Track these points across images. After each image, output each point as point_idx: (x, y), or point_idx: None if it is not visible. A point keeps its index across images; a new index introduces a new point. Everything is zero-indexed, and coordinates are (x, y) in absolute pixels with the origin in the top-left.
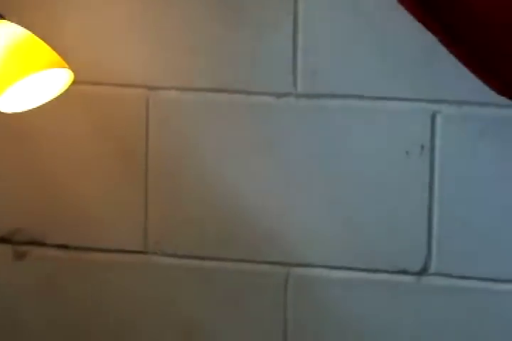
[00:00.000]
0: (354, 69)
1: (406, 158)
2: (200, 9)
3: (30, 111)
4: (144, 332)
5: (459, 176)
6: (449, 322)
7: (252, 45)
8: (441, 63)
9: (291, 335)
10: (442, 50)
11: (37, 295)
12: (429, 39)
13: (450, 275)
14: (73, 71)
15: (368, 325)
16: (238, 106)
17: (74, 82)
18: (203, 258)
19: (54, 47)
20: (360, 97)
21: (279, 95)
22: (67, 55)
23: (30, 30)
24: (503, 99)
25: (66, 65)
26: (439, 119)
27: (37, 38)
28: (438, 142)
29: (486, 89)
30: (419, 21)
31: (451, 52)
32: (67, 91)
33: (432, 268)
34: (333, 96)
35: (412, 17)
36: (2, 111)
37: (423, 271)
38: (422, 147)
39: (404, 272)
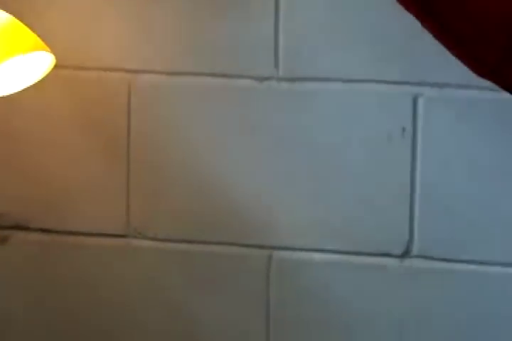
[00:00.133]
0: (336, 52)
1: (388, 141)
2: None
3: (11, 95)
4: (126, 315)
5: (440, 158)
6: (431, 305)
7: (234, 28)
8: (423, 46)
9: (274, 318)
10: (424, 33)
11: (20, 279)
12: (411, 22)
13: (432, 258)
14: (55, 55)
15: (350, 307)
16: (220, 90)
17: (56, 66)
18: (184, 241)
19: (36, 31)
20: (342, 80)
21: (261, 79)
22: (49, 39)
23: (11, 15)
24: (484, 82)
25: (48, 49)
26: (420, 102)
27: (18, 21)
28: (420, 125)
29: (467, 71)
30: (406, 10)
31: (435, 36)
32: (48, 75)
33: (414, 251)
34: (315, 79)
35: (395, 1)
36: None
37: (405, 254)
38: (404, 129)
39: (387, 255)
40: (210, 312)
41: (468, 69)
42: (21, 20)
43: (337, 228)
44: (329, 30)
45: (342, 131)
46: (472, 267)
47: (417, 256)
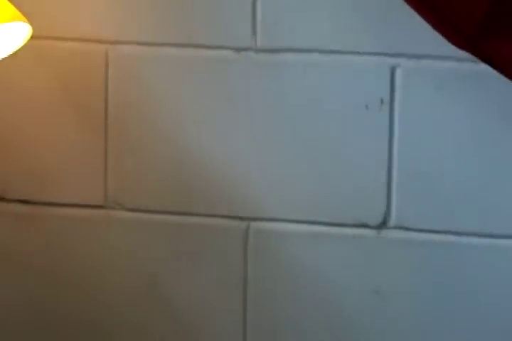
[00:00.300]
0: (314, 23)
1: (366, 112)
2: None
3: None
4: (104, 287)
5: (418, 130)
6: (408, 275)
7: None
8: (401, 17)
9: (252, 289)
10: (402, 5)
11: None
12: None
13: (409, 229)
14: (31, 25)
15: (328, 278)
16: (197, 61)
17: (32, 37)
18: (162, 212)
19: (12, 1)
20: (320, 51)
21: (239, 49)
22: (25, 10)
23: None
24: (462, 53)
25: (25, 19)
26: (398, 73)
27: None
28: (397, 96)
29: (445, 42)
30: None
31: (412, 7)
32: (25, 45)
33: (391, 222)
34: (293, 50)
35: None
36: None
37: (382, 225)
38: (382, 101)
39: (364, 226)
40: (187, 284)
41: (446, 40)
42: None
43: (314, 199)
44: (307, 2)
45: (320, 102)
46: (449, 238)
47: (394, 227)
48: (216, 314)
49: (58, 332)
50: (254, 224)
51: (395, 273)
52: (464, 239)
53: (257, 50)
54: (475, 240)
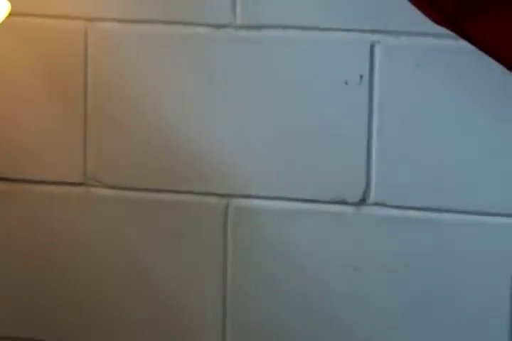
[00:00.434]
0: (293, 0)
1: (345, 89)
2: None
3: None
4: (84, 265)
5: (398, 106)
6: (387, 252)
7: None
8: None
9: (231, 267)
10: None
11: None
12: None
13: (389, 206)
14: (10, 2)
15: (306, 255)
16: (177, 38)
17: (11, 14)
18: (142, 189)
19: None
20: (299, 28)
21: (218, 26)
22: None
23: None
24: (441, 30)
25: None
26: (377, 49)
27: None
28: (377, 72)
29: (424, 19)
30: None
31: None
32: (4, 23)
33: (371, 199)
34: (273, 26)
35: None
36: None
37: (362, 202)
38: (361, 77)
39: (344, 203)
40: (167, 261)
41: (425, 17)
42: None
43: (294, 176)
44: None
45: (299, 78)
46: (428, 214)
47: (374, 204)
48: (195, 290)
49: (37, 304)
50: (233, 201)
51: (374, 250)
52: (443, 216)
53: (237, 27)
54: (454, 217)
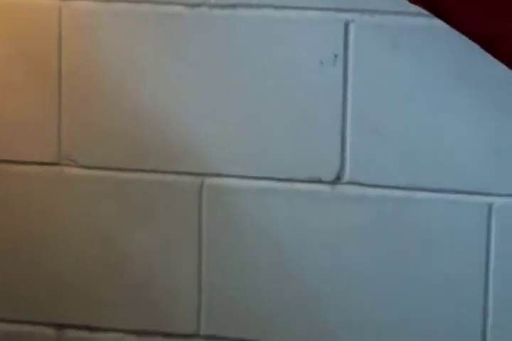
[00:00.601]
0: None
1: (320, 68)
2: None
3: None
4: (57, 244)
5: (372, 85)
6: (362, 231)
7: None
8: None
9: (206, 245)
10: None
11: None
12: None
13: (364, 184)
14: None
15: (281, 234)
16: (151, 17)
17: None
18: (116, 169)
19: None
20: (274, 7)
21: (192, 5)
22: None
23: None
24: (415, 8)
25: None
26: (352, 28)
27: None
28: (351, 51)
29: None
30: None
31: None
32: None
33: (346, 177)
34: (247, 6)
35: None
36: None
37: (336, 180)
38: (336, 56)
39: (318, 181)
40: (142, 240)
41: None
42: None
43: (268, 154)
44: None
45: (273, 57)
46: (402, 193)
47: (349, 183)
48: (170, 269)
49: (10, 285)
50: (208, 180)
51: (349, 229)
52: (418, 194)
53: (211, 6)
54: (428, 195)
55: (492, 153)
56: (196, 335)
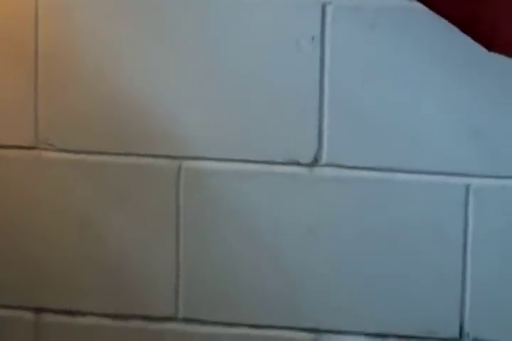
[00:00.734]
0: None
1: (297, 49)
2: None
3: None
4: (35, 228)
5: (349, 67)
6: (340, 212)
7: None
8: None
9: (184, 228)
10: None
11: None
12: None
13: (341, 166)
14: None
15: (260, 216)
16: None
17: None
18: (94, 153)
19: None
20: None
21: None
22: None
23: None
24: None
25: None
26: (329, 10)
27: None
28: (328, 33)
29: None
30: None
31: None
32: None
33: (323, 159)
34: None
35: None
36: None
37: (314, 162)
38: (313, 38)
39: (296, 163)
40: (120, 223)
41: None
42: None
43: (245, 137)
44: None
45: (250, 39)
46: (380, 175)
47: (326, 165)
48: (148, 251)
49: None
50: (185, 163)
51: (328, 211)
52: (395, 176)
53: None
54: (407, 177)
55: (470, 135)
56: (174, 318)
